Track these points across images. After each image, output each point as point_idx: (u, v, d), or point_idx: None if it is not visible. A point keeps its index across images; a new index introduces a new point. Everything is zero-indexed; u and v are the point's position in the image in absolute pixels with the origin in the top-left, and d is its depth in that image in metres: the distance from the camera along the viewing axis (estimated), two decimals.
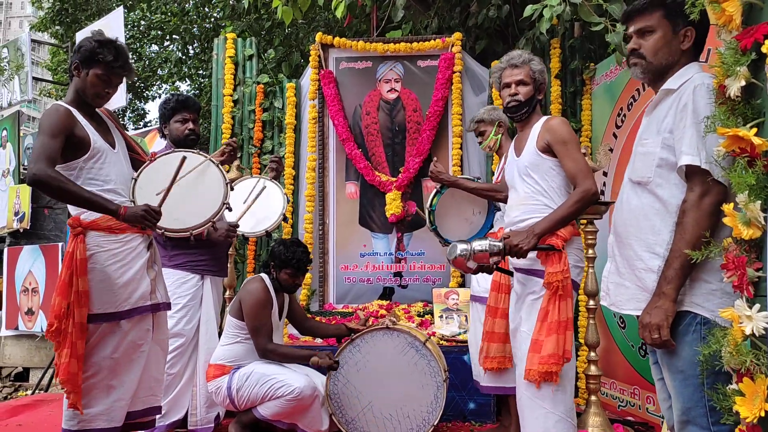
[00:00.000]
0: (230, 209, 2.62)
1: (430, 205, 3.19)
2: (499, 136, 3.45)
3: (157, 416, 3.00)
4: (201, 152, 2.62)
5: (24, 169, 7.19)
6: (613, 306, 1.97)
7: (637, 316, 1.84)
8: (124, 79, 2.66)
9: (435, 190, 3.22)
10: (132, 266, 2.44)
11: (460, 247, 2.41)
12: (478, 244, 2.40)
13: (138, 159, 2.69)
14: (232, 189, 2.61)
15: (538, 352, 2.34)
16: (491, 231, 3.31)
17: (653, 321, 1.72)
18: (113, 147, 2.51)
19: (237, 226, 3.19)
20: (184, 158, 2.49)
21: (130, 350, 2.44)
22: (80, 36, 6.41)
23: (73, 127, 2.36)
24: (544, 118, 2.56)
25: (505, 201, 3.20)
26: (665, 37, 1.86)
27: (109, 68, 2.43)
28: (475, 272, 2.50)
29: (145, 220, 2.32)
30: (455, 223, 3.23)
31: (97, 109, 2.56)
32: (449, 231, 3.20)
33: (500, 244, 2.38)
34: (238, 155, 4.70)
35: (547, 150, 2.47)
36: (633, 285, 1.87)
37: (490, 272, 2.55)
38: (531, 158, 2.51)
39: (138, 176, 2.49)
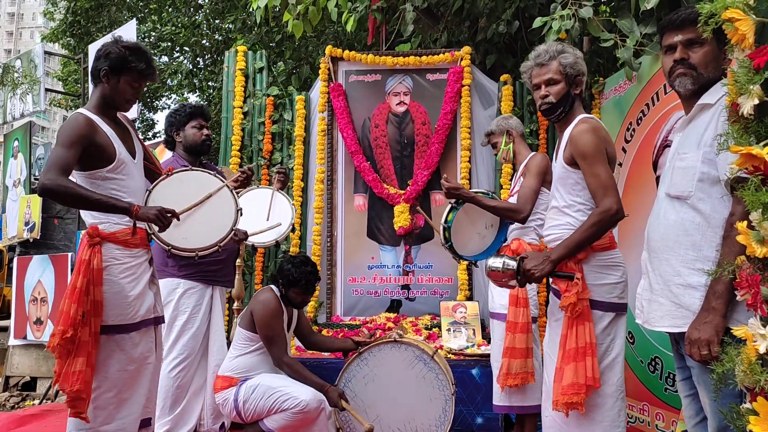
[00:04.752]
0: (242, 214, 2.65)
1: (445, 221, 3.01)
2: (510, 145, 3.41)
3: (165, 429, 3.03)
4: (218, 176, 2.65)
5: (35, 179, 7.24)
6: (646, 323, 1.91)
7: (669, 333, 1.80)
8: None
9: (450, 206, 3.04)
10: (141, 280, 2.48)
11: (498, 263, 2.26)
12: (493, 261, 2.25)
13: (152, 169, 2.70)
14: (241, 214, 2.65)
15: (560, 381, 2.20)
16: (505, 244, 3.23)
17: (703, 336, 1.66)
18: (133, 157, 2.52)
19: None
20: (220, 188, 2.57)
21: (140, 362, 2.46)
22: (94, 48, 6.47)
23: (94, 135, 2.34)
24: (576, 120, 2.30)
25: (523, 222, 3.09)
26: (713, 51, 1.83)
27: (141, 76, 2.46)
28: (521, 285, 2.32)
29: (158, 221, 2.32)
30: (467, 237, 3.08)
31: (117, 114, 2.57)
32: (461, 246, 3.07)
33: (514, 263, 2.22)
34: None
35: (573, 162, 2.25)
36: (667, 301, 1.82)
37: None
38: (559, 170, 2.34)
39: (152, 189, 2.51)
